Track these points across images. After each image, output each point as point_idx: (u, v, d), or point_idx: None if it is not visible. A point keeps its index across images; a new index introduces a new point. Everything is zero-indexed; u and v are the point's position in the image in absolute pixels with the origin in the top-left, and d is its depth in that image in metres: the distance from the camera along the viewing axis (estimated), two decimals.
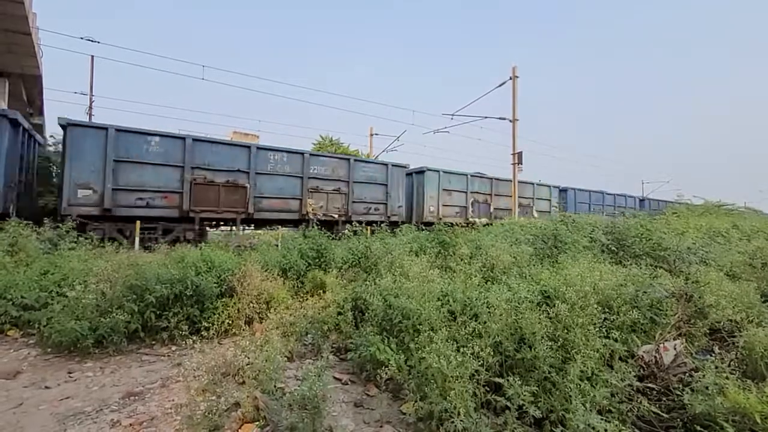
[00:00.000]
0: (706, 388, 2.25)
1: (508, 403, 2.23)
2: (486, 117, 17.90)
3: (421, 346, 2.61)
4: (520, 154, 16.43)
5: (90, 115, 17.34)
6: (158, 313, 3.84)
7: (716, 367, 2.39)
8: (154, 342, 3.85)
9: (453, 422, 2.14)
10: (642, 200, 25.80)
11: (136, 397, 2.81)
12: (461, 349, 2.44)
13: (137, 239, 8.72)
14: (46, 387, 2.94)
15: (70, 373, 3.19)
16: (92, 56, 17.06)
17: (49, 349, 3.54)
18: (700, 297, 3.52)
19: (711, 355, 2.86)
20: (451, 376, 2.27)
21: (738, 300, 3.65)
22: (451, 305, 3.25)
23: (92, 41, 15.69)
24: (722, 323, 3.42)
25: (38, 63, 14.86)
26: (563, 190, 21.14)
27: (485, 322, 2.79)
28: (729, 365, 2.44)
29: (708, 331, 3.38)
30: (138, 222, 8.83)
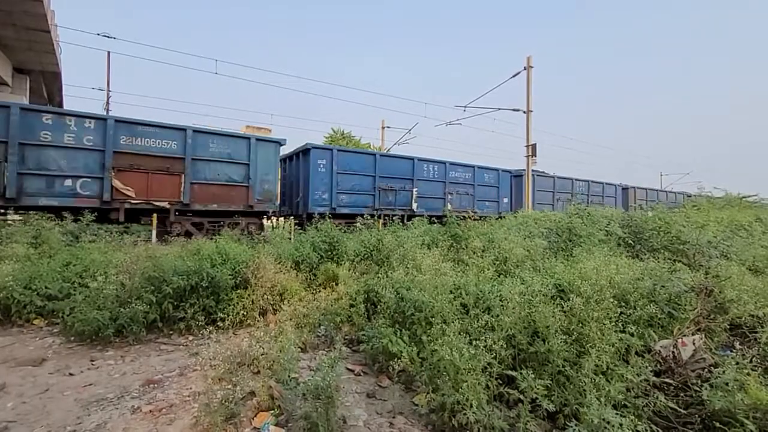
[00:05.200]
0: (726, 384, 2.19)
1: (521, 396, 2.22)
2: (499, 108, 17.67)
3: (433, 339, 2.62)
4: (534, 146, 16.19)
5: (107, 110, 17.68)
6: (175, 303, 3.93)
7: (737, 363, 2.33)
8: (171, 332, 3.94)
9: (465, 414, 2.14)
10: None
11: (156, 385, 2.89)
12: (474, 342, 2.44)
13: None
14: (70, 374, 3.05)
15: (92, 360, 3.30)
16: (108, 52, 17.36)
17: (73, 338, 3.67)
18: (720, 292, 3.42)
19: (732, 351, 2.79)
20: (464, 369, 2.27)
21: (761, 295, 3.55)
22: (463, 298, 3.24)
23: (108, 37, 15.93)
24: (744, 319, 3.33)
25: (57, 60, 15.21)
26: (625, 189, 22.64)
27: (498, 315, 2.77)
28: (750, 361, 2.38)
29: (728, 327, 3.30)
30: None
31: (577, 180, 19.66)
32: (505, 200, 16.55)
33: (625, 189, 22.49)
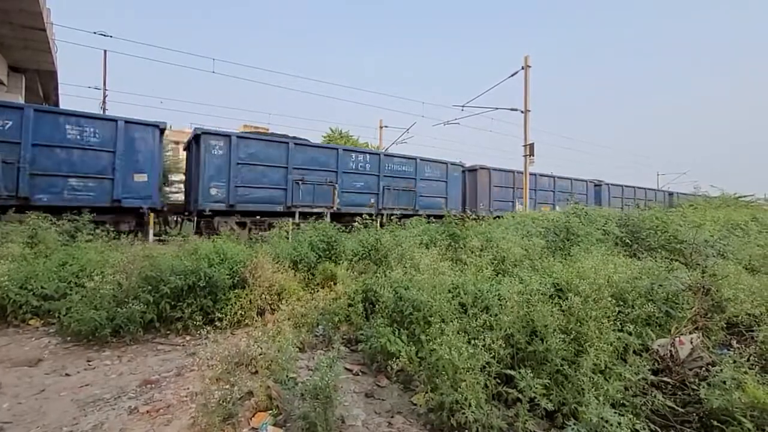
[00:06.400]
0: (724, 382, 2.20)
1: (520, 396, 2.21)
2: (497, 108, 17.67)
3: (431, 338, 2.61)
4: (531, 145, 16.20)
5: (104, 110, 17.59)
6: (173, 303, 3.92)
7: (734, 362, 2.34)
8: (168, 332, 3.93)
9: (464, 413, 2.14)
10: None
11: (153, 385, 2.88)
12: (472, 341, 2.43)
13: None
14: (67, 374, 3.03)
15: (89, 361, 3.28)
16: (105, 51, 17.26)
17: (69, 338, 3.64)
18: (717, 290, 3.43)
19: (729, 350, 2.80)
20: (462, 368, 2.27)
21: (757, 294, 3.56)
22: (462, 297, 3.23)
23: (105, 36, 15.84)
24: (740, 317, 3.34)
25: (53, 58, 15.10)
26: (471, 170, 18.80)
27: (496, 315, 2.77)
28: (748, 360, 2.38)
29: (725, 326, 3.30)
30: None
31: (383, 155, 13.36)
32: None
33: (471, 170, 16.78)
